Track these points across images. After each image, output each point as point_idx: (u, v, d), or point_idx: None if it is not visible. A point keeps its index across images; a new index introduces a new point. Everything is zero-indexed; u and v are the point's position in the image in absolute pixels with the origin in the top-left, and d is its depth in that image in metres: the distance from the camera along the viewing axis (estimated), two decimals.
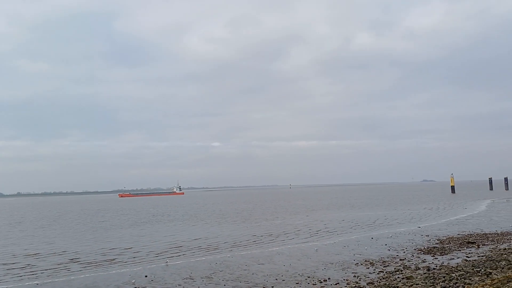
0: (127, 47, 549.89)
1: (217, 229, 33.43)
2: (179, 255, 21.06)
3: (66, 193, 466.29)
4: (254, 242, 24.83)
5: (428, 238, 23.59)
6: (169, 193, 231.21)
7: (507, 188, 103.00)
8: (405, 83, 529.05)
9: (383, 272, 15.18)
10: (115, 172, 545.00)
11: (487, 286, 11.57)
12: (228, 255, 20.48)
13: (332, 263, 17.39)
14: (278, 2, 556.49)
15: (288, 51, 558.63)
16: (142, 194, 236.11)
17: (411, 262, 16.77)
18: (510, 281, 11.27)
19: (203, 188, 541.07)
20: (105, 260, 20.42)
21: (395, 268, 15.64)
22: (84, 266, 19.18)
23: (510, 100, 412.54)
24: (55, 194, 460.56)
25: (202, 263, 18.61)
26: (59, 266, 19.43)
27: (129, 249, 23.76)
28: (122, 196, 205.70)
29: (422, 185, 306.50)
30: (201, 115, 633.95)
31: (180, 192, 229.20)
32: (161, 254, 21.53)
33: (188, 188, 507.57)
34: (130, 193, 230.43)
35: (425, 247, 20.37)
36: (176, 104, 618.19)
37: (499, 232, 25.16)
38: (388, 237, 24.53)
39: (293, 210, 53.61)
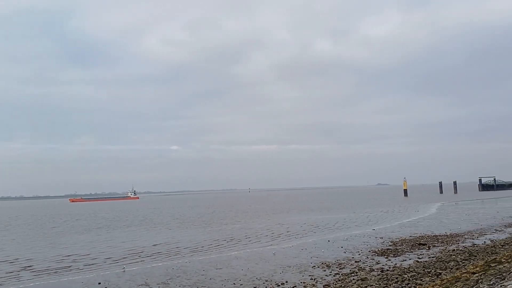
0: (82, 47, 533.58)
1: (177, 234, 32.92)
2: (137, 261, 20.53)
3: (15, 198, 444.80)
4: (213, 247, 24.63)
5: (382, 240, 24.28)
6: (123, 197, 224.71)
7: (456, 192, 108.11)
8: (362, 90, 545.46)
9: (339, 274, 15.47)
10: (67, 176, 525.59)
11: (437, 286, 12.03)
12: (186, 261, 20.19)
13: (290, 266, 17.53)
14: (237, 6, 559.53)
15: (248, 56, 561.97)
16: (94, 199, 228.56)
17: (365, 264, 17.18)
18: (458, 281, 11.77)
19: (161, 192, 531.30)
20: (60, 268, 19.60)
21: (350, 270, 15.97)
22: (36, 274, 18.32)
23: (458, 108, 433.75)
24: (3, 199, 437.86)
25: (159, 269, 18.23)
26: (10, 274, 18.48)
27: (86, 256, 22.94)
28: (73, 201, 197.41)
29: (377, 188, 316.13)
30: (159, 118, 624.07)
31: (135, 196, 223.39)
32: (120, 260, 20.93)
33: (144, 193, 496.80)
34: (82, 198, 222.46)
35: (379, 249, 20.94)
36: (133, 107, 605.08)
37: (448, 234, 26.25)
38: (344, 240, 25.04)
39: (253, 214, 53.72)
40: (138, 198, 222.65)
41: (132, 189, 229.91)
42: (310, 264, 17.87)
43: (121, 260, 20.99)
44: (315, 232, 29.99)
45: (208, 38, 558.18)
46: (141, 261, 20.66)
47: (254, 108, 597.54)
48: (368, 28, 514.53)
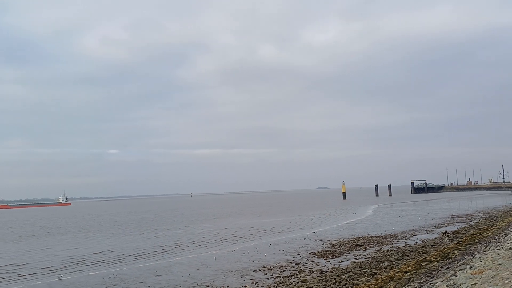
0: (16, 44, 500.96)
1: (117, 241, 31.69)
2: (76, 270, 19.55)
3: None
4: (154, 254, 23.96)
5: (321, 242, 24.88)
6: (54, 203, 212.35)
7: (390, 194, 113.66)
8: (305, 95, 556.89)
9: (280, 277, 15.63)
10: None
11: (372, 285, 12.49)
12: (124, 268, 19.49)
13: (231, 271, 17.46)
14: (182, 8, 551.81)
15: (191, 58, 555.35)
16: (22, 205, 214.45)
17: (305, 266, 17.50)
18: (391, 280, 12.30)
19: (97, 198, 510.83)
20: None
21: (291, 273, 16.20)
22: None
23: (394, 115, 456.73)
24: None
25: (96, 278, 17.46)
26: None
27: (22, 265, 21.53)
28: None
29: (317, 192, 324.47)
30: (97, 120, 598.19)
31: (67, 202, 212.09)
32: (58, 269, 19.91)
33: (80, 198, 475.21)
34: (7, 204, 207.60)
35: (319, 251, 21.44)
36: (68, 108, 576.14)
37: (383, 235, 27.43)
38: (285, 243, 25.38)
39: (196, 219, 53.04)
40: (70, 204, 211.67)
41: (64, 194, 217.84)
42: (251, 268, 17.91)
43: (59, 269, 19.94)
44: (257, 236, 30.15)
45: (151, 39, 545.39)
46: (79, 270, 19.70)
47: (198, 112, 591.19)
48: (310, 36, 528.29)
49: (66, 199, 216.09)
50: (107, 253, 24.99)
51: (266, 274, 16.44)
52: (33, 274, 19.14)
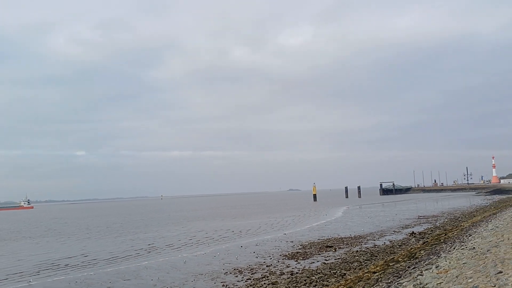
0: None
1: (86, 245, 30.87)
2: (45, 275, 18.95)
3: None
4: (122, 258, 23.47)
5: (292, 244, 25.01)
6: (15, 207, 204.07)
7: (359, 196, 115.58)
8: (276, 98, 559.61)
9: (251, 279, 15.60)
10: None
11: (341, 286, 12.63)
12: (92, 273, 19.02)
13: (202, 274, 17.31)
14: (153, 9, 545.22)
15: (162, 60, 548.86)
16: None
17: (276, 268, 17.54)
18: (360, 280, 12.47)
19: (64, 201, 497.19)
20: None
21: (261, 275, 16.19)
22: None
23: (363, 118, 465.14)
24: None
25: (62, 283, 17.00)
26: None
27: None
28: None
29: (289, 194, 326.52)
30: (64, 122, 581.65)
31: (29, 206, 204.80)
32: (27, 274, 19.31)
33: (45, 202, 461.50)
34: None
35: (289, 253, 21.54)
36: (34, 109, 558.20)
37: (352, 236, 27.83)
38: (256, 245, 25.37)
39: (166, 222, 52.35)
40: (32, 207, 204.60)
41: (26, 197, 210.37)
42: (222, 270, 17.81)
43: (28, 274, 19.33)
44: (228, 239, 30.02)
45: (121, 40, 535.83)
46: (49, 275, 19.11)
47: (168, 113, 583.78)
48: (283, 39, 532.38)
49: (28, 202, 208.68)
50: (76, 257, 24.32)
51: (237, 276, 16.38)
52: (2, 280, 18.45)
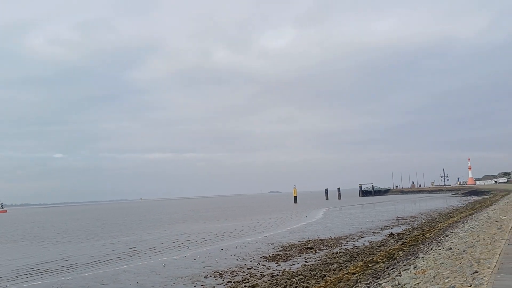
0: None
1: (66, 249, 30.19)
2: (23, 280, 18.49)
3: None
4: (100, 262, 23.05)
5: (273, 246, 25.02)
6: None
7: (339, 198, 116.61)
8: (259, 100, 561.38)
9: (231, 282, 15.54)
10: None
11: (321, 287, 12.68)
12: (69, 277, 18.63)
13: (182, 277, 17.15)
14: (135, 9, 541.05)
15: (144, 61, 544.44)
16: None
17: (257, 270, 17.51)
18: (340, 282, 12.55)
19: (40, 204, 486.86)
20: None
21: (242, 277, 16.14)
22: None
23: (344, 120, 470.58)
24: None
25: None
26: None
27: None
28: None
29: (269, 196, 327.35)
30: (43, 123, 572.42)
31: (2, 210, 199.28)
32: (5, 280, 18.79)
33: (21, 205, 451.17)
34: None
35: (270, 255, 21.54)
36: (12, 110, 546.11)
37: (332, 237, 28.01)
38: (237, 248, 25.29)
39: (146, 225, 51.74)
40: (6, 211, 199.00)
41: None
42: (202, 274, 17.68)
43: (6, 280, 18.86)
44: (209, 242, 29.84)
45: (102, 40, 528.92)
46: (26, 280, 18.65)
47: (149, 115, 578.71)
48: (266, 41, 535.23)
49: (1, 206, 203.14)
50: (54, 262, 23.78)
51: (217, 279, 16.29)
52: None
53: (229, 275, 16.88)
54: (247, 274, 16.75)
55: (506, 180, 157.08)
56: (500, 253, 8.30)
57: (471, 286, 6.10)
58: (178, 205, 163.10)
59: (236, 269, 18.24)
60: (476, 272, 6.94)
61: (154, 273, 18.67)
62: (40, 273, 20.19)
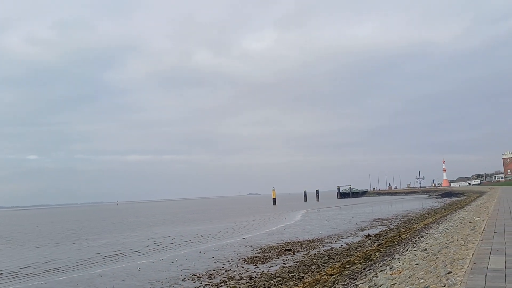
0: None
1: (39, 253, 29.46)
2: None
3: None
4: (75, 265, 22.58)
5: (251, 248, 24.98)
6: None
7: (318, 200, 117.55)
8: (239, 102, 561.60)
9: (209, 285, 15.44)
10: None
11: None
12: (42, 282, 18.19)
13: (159, 281, 16.94)
14: (115, 9, 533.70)
15: (123, 61, 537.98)
16: None
17: (235, 273, 17.45)
18: (318, 283, 12.61)
19: (13, 207, 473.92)
20: None
21: (220, 280, 16.05)
22: None
23: (323, 123, 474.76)
24: None
25: None
26: None
27: None
28: None
29: (249, 198, 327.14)
30: (16, 124, 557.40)
31: None
32: None
33: None
34: None
35: (249, 257, 21.50)
36: None
37: (311, 239, 28.17)
38: (215, 250, 25.15)
39: (123, 228, 50.97)
40: None
41: None
42: (180, 277, 17.51)
43: None
44: (187, 244, 29.59)
45: (80, 40, 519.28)
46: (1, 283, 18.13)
47: (128, 116, 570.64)
48: (247, 43, 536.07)
49: None
50: (28, 266, 23.13)
51: (195, 282, 16.16)
52: None
53: (207, 278, 16.77)
54: (225, 277, 16.67)
55: (479, 182, 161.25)
56: (473, 253, 8.48)
57: (445, 286, 6.21)
58: (156, 207, 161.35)
59: (214, 271, 18.13)
60: (450, 272, 7.07)
61: (130, 276, 18.39)
62: (11, 279, 19.64)
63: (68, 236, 42.34)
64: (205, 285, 15.49)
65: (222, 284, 15.32)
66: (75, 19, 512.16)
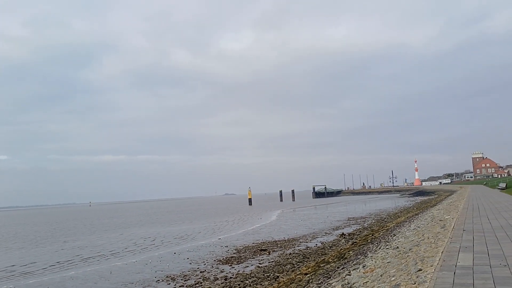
0: None
1: (9, 256, 28.60)
2: None
3: None
4: (46, 268, 21.99)
5: (227, 249, 24.91)
6: None
7: (294, 199, 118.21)
8: (216, 102, 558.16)
9: (183, 286, 15.31)
10: None
11: None
12: (11, 286, 17.64)
13: (133, 283, 16.69)
14: (90, 6, 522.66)
15: (98, 60, 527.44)
16: None
17: (210, 274, 17.35)
18: (292, 282, 12.68)
19: None
20: None
21: (195, 281, 15.94)
22: None
23: (299, 124, 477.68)
24: None
25: None
26: None
27: None
28: None
29: (224, 198, 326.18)
30: None
31: None
32: None
33: None
34: None
35: (224, 258, 21.43)
36: None
37: (286, 239, 28.29)
38: (190, 251, 24.95)
39: (96, 229, 50.00)
40: None
41: None
42: (154, 278, 17.29)
43: None
44: (161, 245, 29.26)
45: (53, 37, 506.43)
46: None
47: (102, 116, 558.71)
48: (224, 43, 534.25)
49: None
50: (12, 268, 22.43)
51: (169, 284, 15.99)
52: None
53: (181, 279, 16.62)
54: (200, 278, 16.56)
55: (450, 181, 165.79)
56: (442, 251, 8.68)
57: (415, 283, 6.33)
58: (129, 208, 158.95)
59: (189, 272, 17.99)
60: (420, 270, 7.22)
61: (103, 279, 18.05)
62: None
63: (39, 239, 41.22)
64: (180, 286, 15.35)
65: (197, 285, 15.22)
66: (49, 16, 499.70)
